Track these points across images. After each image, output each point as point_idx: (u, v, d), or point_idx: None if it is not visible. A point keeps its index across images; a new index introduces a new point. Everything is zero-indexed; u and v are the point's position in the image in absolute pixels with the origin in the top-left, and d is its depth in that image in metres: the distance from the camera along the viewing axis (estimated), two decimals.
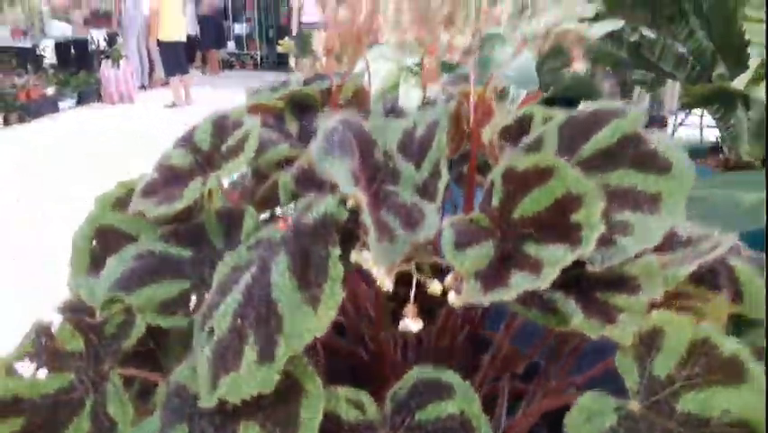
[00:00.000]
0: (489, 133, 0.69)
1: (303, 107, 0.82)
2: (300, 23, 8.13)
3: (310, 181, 0.64)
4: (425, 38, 0.70)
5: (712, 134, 2.68)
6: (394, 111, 0.78)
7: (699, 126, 3.43)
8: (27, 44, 7.20)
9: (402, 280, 0.55)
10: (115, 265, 0.63)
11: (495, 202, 0.59)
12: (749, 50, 1.85)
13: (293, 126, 0.81)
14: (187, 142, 0.69)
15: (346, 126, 0.58)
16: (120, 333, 0.62)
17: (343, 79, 0.79)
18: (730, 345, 0.48)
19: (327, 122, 0.56)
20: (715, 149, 2.66)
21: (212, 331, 0.53)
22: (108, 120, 7.27)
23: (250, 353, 0.48)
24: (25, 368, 0.65)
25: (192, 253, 0.65)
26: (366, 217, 0.47)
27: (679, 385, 0.49)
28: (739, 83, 1.89)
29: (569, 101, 2.60)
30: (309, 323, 0.48)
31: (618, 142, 0.66)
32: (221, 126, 0.68)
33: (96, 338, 0.62)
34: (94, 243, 0.71)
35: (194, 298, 0.64)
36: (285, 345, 0.48)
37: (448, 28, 0.73)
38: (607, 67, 2.94)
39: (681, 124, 3.65)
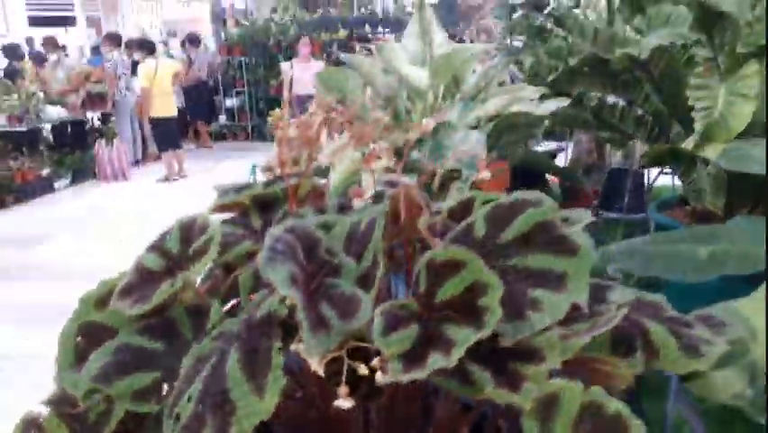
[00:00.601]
0: (422, 224, 0.79)
1: (266, 205, 0.93)
2: (293, 95, 8.40)
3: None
4: (363, 147, 0.80)
5: None
6: (344, 207, 0.89)
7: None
8: (23, 128, 7.43)
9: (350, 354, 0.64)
10: (96, 359, 0.72)
11: (421, 288, 0.69)
12: (693, 114, 1.99)
13: (257, 222, 0.92)
14: (159, 246, 0.79)
15: (291, 232, 0.68)
16: (101, 420, 0.70)
17: (300, 179, 0.90)
18: (613, 406, 0.57)
19: (273, 230, 0.67)
20: (685, 199, 2.79)
21: (178, 417, 0.62)
22: (102, 197, 7.42)
23: None
24: None
25: (164, 345, 0.74)
26: (300, 314, 0.57)
27: None
28: (688, 144, 2.02)
29: (530, 171, 2.75)
30: (257, 407, 0.56)
31: (533, 228, 0.77)
32: (188, 231, 0.78)
33: (79, 427, 0.70)
34: (79, 338, 0.80)
35: (166, 385, 0.72)
36: (237, 427, 0.56)
37: (386, 135, 0.84)
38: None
39: (660, 173, 3.80)
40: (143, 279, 0.77)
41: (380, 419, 0.83)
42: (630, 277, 2.12)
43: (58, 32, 11.62)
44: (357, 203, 0.79)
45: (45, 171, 7.43)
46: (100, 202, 7.23)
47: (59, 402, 0.73)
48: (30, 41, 12.00)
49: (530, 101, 1.61)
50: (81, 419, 0.70)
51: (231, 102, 10.74)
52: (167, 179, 7.98)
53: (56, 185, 7.63)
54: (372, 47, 1.49)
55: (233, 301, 0.89)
